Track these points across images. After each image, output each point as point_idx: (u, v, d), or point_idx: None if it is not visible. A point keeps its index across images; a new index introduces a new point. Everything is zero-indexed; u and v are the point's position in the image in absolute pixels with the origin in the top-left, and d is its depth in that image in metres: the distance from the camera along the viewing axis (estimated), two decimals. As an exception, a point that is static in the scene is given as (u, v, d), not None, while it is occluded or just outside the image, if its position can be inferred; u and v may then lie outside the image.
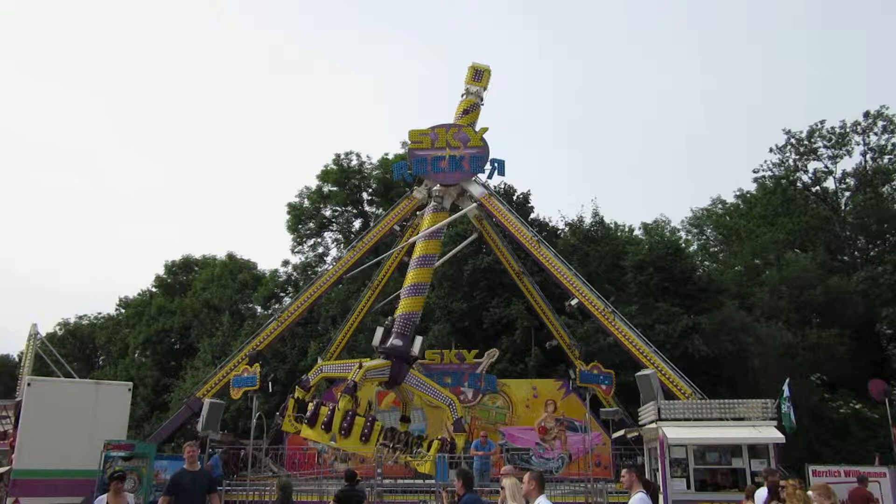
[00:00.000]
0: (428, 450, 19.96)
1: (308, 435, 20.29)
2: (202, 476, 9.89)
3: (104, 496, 9.78)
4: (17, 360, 49.57)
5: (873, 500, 13.58)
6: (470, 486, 8.32)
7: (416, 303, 23.24)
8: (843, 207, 38.74)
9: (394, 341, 21.95)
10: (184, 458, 10.53)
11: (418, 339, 22.27)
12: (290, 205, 43.76)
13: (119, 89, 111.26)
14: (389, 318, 23.64)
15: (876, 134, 37.64)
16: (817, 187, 39.27)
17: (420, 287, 23.59)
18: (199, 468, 9.83)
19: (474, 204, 25.58)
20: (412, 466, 20.32)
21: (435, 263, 24.85)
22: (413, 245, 27.09)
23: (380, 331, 22.39)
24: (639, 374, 20.15)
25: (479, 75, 26.75)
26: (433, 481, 18.39)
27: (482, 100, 26.62)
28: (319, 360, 23.33)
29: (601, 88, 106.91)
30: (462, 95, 26.75)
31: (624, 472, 8.21)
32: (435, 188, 25.88)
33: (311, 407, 20.54)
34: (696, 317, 27.39)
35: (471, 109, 26.28)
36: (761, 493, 11.16)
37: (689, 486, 14.61)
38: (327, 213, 44.00)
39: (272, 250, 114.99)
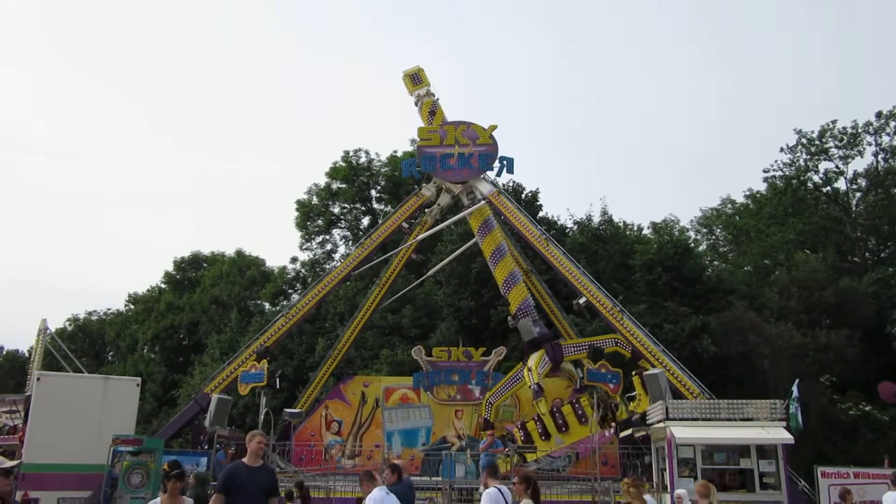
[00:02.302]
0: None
1: (537, 454, 21.35)
2: (263, 473, 7.85)
3: (157, 500, 8.15)
4: (26, 355, 49.86)
5: None
6: (400, 477, 9.20)
7: (520, 291, 23.86)
8: (853, 208, 38.50)
9: (536, 330, 22.72)
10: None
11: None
12: (298, 202, 43.91)
13: (127, 83, 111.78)
14: (509, 318, 24.21)
15: (888, 134, 37.43)
16: (828, 188, 39.02)
17: (514, 276, 24.10)
18: (261, 464, 7.84)
19: (483, 201, 25.57)
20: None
21: (507, 251, 25.02)
22: (422, 242, 27.19)
23: (528, 323, 23.04)
24: (647, 373, 20.09)
25: (417, 78, 26.94)
26: (440, 479, 18.42)
27: (435, 95, 26.76)
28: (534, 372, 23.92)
29: (611, 87, 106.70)
30: (416, 104, 26.86)
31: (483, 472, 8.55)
32: (458, 189, 26.00)
33: (532, 426, 22.01)
34: (704, 317, 27.25)
35: (434, 109, 26.42)
36: (891, 496, 10.99)
37: (696, 486, 14.53)
38: (336, 210, 44.11)
39: (281, 247, 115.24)
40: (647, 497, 9.21)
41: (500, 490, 8.14)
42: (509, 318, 24.25)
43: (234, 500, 7.47)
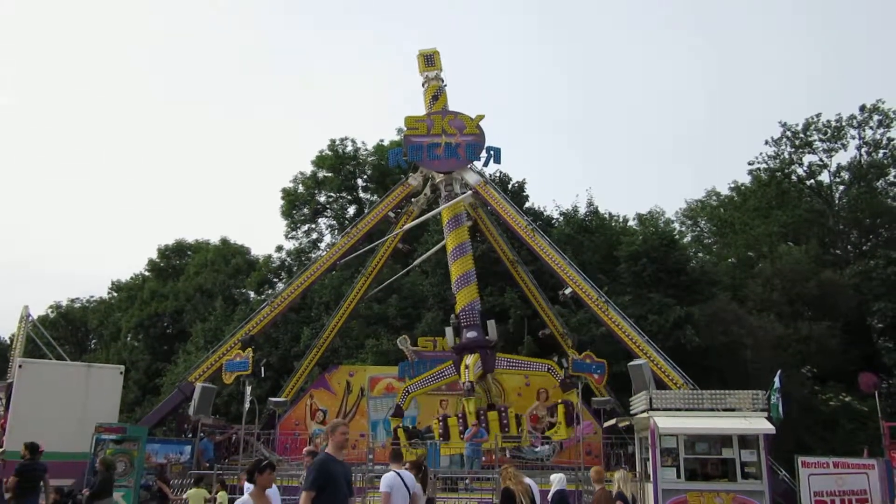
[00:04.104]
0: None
1: (449, 451, 20.80)
2: (347, 466, 7.23)
3: (245, 497, 7.06)
4: (8, 342, 49.38)
5: None
6: None
7: (471, 292, 23.67)
8: (836, 201, 38.84)
9: (468, 335, 22.40)
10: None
11: (491, 324, 22.82)
12: (284, 190, 43.62)
13: (112, 72, 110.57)
14: (453, 315, 24.01)
15: (871, 128, 37.77)
16: (812, 180, 39.35)
17: (468, 276, 23.96)
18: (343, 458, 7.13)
19: (469, 191, 25.57)
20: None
21: (470, 249, 25.01)
22: (408, 232, 27.12)
23: (450, 331, 22.88)
24: (631, 363, 20.21)
25: (430, 60, 26.86)
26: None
27: (443, 81, 26.74)
28: (404, 383, 23.81)
29: (598, 78, 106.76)
30: (423, 84, 26.83)
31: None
32: (439, 179, 25.90)
33: (436, 425, 21.60)
34: (688, 308, 27.44)
35: (438, 94, 26.42)
36: None
37: (679, 476, 14.66)
38: (322, 198, 43.84)
39: (266, 235, 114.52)
40: (528, 480, 9.86)
41: (398, 474, 8.46)
42: (453, 315, 24.20)
43: (329, 495, 6.75)
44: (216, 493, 14.96)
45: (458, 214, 25.23)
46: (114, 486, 13.45)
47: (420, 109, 26.75)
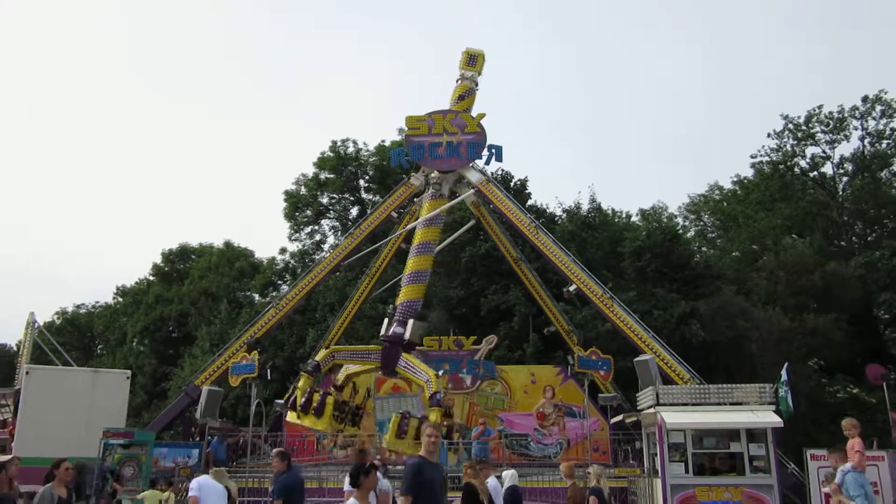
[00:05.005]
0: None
1: (292, 419, 20.23)
2: (442, 471, 7.28)
3: (353, 500, 6.97)
4: (15, 349, 49.54)
5: None
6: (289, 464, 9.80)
7: (417, 290, 23.34)
8: (840, 192, 38.75)
9: (395, 329, 22.21)
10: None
11: (410, 323, 22.36)
12: (286, 192, 43.69)
13: (114, 75, 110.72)
14: (392, 306, 23.76)
15: (874, 118, 37.65)
16: (815, 172, 39.30)
17: (420, 274, 23.63)
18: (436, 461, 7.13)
19: (472, 190, 25.52)
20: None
21: (434, 250, 24.82)
22: (411, 232, 27.07)
23: (386, 321, 22.71)
24: (637, 359, 20.16)
25: (473, 60, 26.61)
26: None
27: (477, 84, 26.56)
28: (321, 351, 23.19)
29: (599, 74, 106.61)
30: (457, 81, 26.65)
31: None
32: (432, 175, 25.84)
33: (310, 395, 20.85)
34: (693, 302, 27.41)
35: (466, 95, 26.17)
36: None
37: (687, 471, 14.62)
38: (324, 200, 43.91)
39: (269, 238, 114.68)
40: (491, 479, 10.04)
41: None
42: (391, 306, 24.06)
43: (424, 499, 6.84)
44: (166, 493, 14.76)
45: (437, 215, 25.11)
46: (85, 490, 13.42)
47: (420, 110, 26.65)
